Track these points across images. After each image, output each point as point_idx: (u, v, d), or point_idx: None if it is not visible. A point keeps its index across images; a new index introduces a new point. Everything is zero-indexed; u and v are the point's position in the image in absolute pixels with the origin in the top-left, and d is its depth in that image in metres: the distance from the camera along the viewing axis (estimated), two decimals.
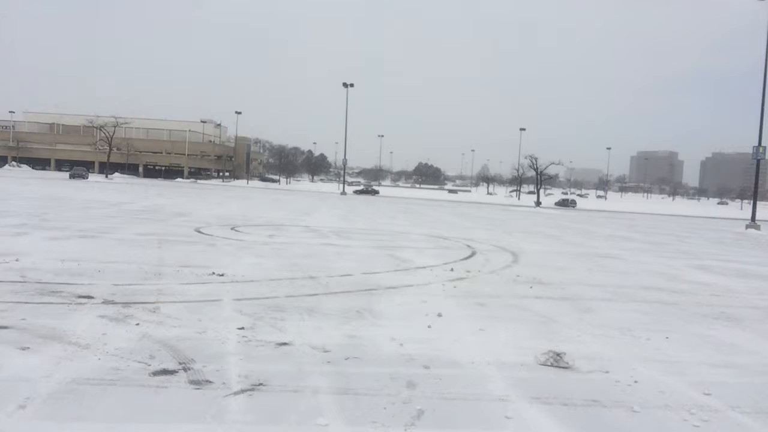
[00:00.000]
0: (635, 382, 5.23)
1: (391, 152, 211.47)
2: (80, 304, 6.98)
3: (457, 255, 14.16)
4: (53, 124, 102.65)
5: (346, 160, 78.87)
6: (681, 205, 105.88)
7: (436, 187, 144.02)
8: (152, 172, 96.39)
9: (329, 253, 13.09)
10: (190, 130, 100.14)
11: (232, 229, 17.61)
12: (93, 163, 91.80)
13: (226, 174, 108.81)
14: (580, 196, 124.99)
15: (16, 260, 9.63)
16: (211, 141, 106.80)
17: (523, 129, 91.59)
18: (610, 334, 6.99)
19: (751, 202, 43.61)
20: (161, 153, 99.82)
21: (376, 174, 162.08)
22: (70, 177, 66.10)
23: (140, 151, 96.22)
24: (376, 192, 78.42)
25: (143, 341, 5.63)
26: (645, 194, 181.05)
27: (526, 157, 74.75)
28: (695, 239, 26.19)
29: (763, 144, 36.35)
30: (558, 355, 5.70)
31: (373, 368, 5.24)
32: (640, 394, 4.92)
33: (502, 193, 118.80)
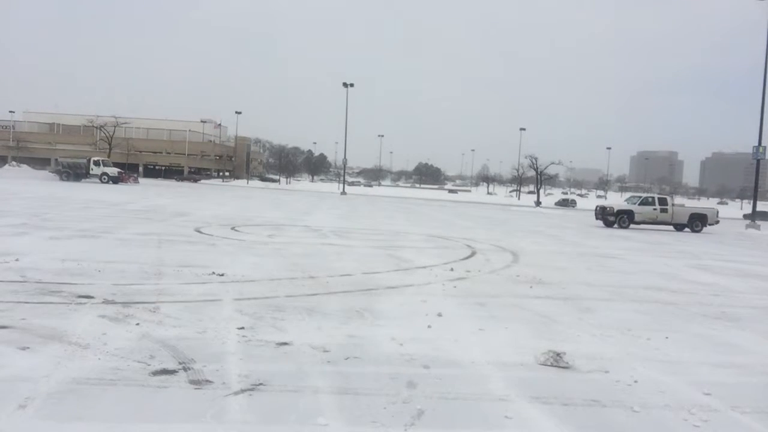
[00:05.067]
0: (635, 382, 5.24)
1: (391, 152, 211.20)
2: (80, 304, 6.98)
3: (457, 255, 14.16)
4: (53, 124, 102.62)
5: (346, 160, 78.89)
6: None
7: (436, 186, 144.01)
8: (152, 171, 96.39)
9: (329, 253, 13.09)
10: (190, 130, 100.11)
11: (232, 228, 17.61)
12: None
13: (226, 174, 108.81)
14: (580, 196, 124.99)
15: (16, 260, 9.63)
16: (211, 141, 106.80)
17: (523, 129, 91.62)
18: (610, 333, 6.99)
19: (751, 202, 43.62)
20: (161, 153, 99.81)
21: (376, 174, 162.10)
22: None
23: (140, 151, 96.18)
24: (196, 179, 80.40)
25: (143, 341, 5.63)
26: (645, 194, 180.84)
27: (526, 157, 74.96)
28: (695, 239, 26.18)
29: (763, 144, 36.39)
30: (558, 354, 5.71)
31: (373, 368, 5.24)
32: (640, 394, 4.92)
33: (502, 193, 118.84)
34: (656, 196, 31.34)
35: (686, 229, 29.56)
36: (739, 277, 13.12)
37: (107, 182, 53.15)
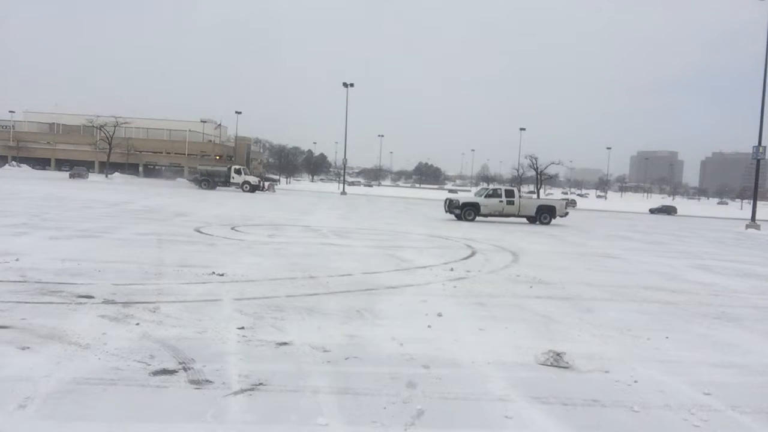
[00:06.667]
0: (635, 382, 5.24)
1: (391, 152, 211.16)
2: (80, 303, 6.98)
3: (457, 255, 14.16)
4: (53, 123, 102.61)
5: (346, 159, 78.93)
6: (681, 205, 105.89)
7: (436, 186, 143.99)
8: (152, 171, 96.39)
9: (329, 253, 13.09)
10: (190, 130, 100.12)
11: (232, 228, 17.62)
12: (93, 162, 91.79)
13: None
14: (580, 195, 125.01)
15: (16, 260, 9.63)
16: (211, 141, 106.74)
17: (523, 129, 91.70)
18: (610, 333, 6.99)
19: (751, 201, 43.62)
20: (161, 153, 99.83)
21: (376, 174, 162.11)
22: (70, 177, 66.15)
23: (140, 151, 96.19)
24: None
25: (143, 341, 5.63)
26: (645, 194, 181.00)
27: (526, 157, 75.07)
28: (695, 239, 26.19)
29: (763, 144, 36.38)
30: (558, 354, 5.71)
31: (373, 368, 5.24)
32: (640, 394, 4.92)
33: None
34: (503, 188, 30.71)
35: (538, 222, 29.19)
36: (739, 277, 13.12)
37: (248, 191, 53.24)
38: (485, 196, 29.27)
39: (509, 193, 29.41)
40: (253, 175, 58.23)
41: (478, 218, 28.67)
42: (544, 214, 29.22)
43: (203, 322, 6.42)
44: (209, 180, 55.83)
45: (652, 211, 71.40)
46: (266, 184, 58.99)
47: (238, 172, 55.94)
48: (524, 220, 29.41)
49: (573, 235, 23.57)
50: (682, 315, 8.40)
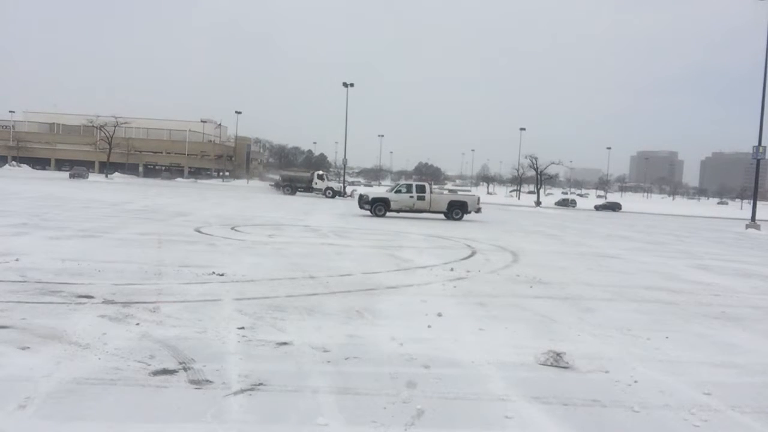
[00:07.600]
0: (635, 382, 5.24)
1: (391, 152, 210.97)
2: (80, 303, 6.98)
3: (457, 255, 14.16)
4: (53, 123, 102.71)
5: (346, 159, 78.78)
6: (681, 205, 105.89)
7: (436, 187, 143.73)
8: (152, 171, 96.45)
9: (329, 253, 13.09)
10: (190, 130, 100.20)
11: (232, 228, 17.62)
12: (93, 162, 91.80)
13: (226, 174, 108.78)
14: (580, 195, 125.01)
15: (16, 260, 9.63)
16: (211, 141, 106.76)
17: (523, 129, 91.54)
18: (610, 333, 6.99)
19: (751, 201, 43.63)
20: (161, 153, 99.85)
21: (376, 174, 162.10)
22: (70, 177, 66.17)
23: (140, 151, 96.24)
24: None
25: (143, 341, 5.63)
26: (645, 194, 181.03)
27: (526, 157, 75.02)
28: (695, 239, 26.19)
29: (763, 144, 36.36)
30: (558, 354, 5.70)
31: (373, 368, 5.24)
32: (640, 394, 4.92)
33: (502, 192, 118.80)
34: (414, 184, 30.33)
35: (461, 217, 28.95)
36: (739, 277, 13.12)
37: (330, 197, 53.66)
38: (395, 192, 29.35)
39: (420, 189, 29.14)
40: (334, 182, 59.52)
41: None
42: (456, 210, 28.93)
43: (203, 322, 6.42)
44: (291, 185, 56.45)
45: (597, 207, 71.82)
46: (349, 189, 59.27)
47: (321, 177, 56.62)
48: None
49: (573, 235, 23.57)
50: (682, 315, 8.40)
